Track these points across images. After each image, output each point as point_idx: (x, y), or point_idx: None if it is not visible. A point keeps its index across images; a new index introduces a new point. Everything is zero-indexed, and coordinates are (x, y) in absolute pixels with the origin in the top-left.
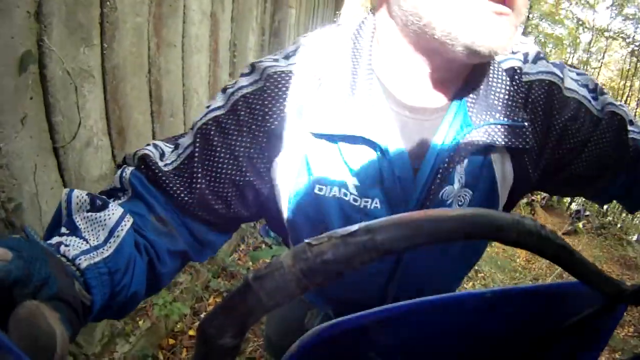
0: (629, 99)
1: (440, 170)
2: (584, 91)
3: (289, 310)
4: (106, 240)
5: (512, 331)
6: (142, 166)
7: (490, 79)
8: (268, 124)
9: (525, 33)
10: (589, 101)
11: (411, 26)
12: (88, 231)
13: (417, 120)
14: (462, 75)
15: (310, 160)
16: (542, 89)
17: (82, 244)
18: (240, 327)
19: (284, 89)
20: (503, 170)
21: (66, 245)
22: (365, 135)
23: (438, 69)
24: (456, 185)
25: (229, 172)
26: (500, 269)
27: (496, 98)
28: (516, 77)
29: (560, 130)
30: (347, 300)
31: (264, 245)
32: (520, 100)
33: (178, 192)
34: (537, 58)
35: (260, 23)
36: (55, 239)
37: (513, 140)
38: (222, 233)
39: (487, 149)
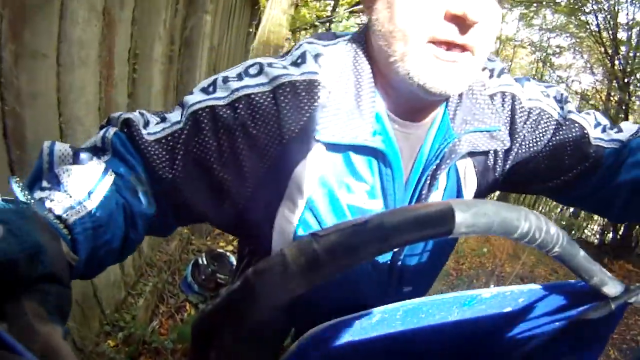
0: None
1: (428, 179)
2: (549, 100)
3: None
4: (89, 194)
5: (512, 331)
6: (125, 129)
7: (469, 91)
8: (277, 132)
9: None
10: (553, 109)
11: (383, 60)
12: (70, 184)
13: (404, 133)
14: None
15: (322, 168)
16: (502, 100)
17: (65, 198)
18: (238, 327)
19: (297, 100)
20: (466, 175)
21: (51, 201)
22: (371, 145)
23: (410, 96)
24: (440, 190)
25: (211, 164)
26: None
27: (474, 107)
28: (482, 88)
29: (522, 137)
30: (341, 308)
31: (187, 305)
32: (494, 108)
33: (156, 162)
34: (501, 73)
35: (170, 29)
36: (37, 194)
37: (491, 144)
38: (184, 220)
39: (452, 156)
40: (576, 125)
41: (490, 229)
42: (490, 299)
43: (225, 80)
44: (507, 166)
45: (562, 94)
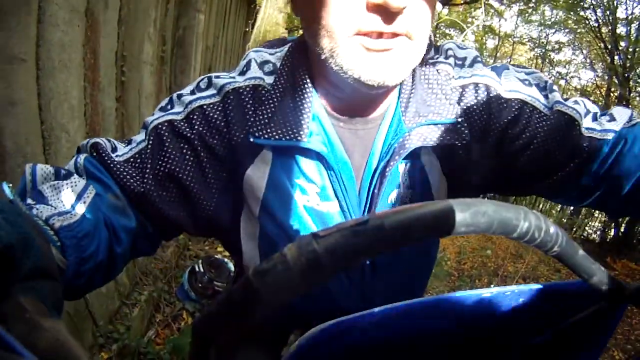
0: None
1: (379, 177)
2: (531, 90)
3: None
4: (73, 206)
5: (512, 331)
6: (94, 153)
7: (424, 81)
8: (227, 137)
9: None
10: (537, 100)
11: (316, 58)
12: (54, 199)
13: (352, 130)
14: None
15: (272, 170)
16: (475, 92)
17: (51, 209)
18: (239, 328)
19: (241, 105)
20: (433, 174)
21: (38, 210)
22: (307, 146)
23: (350, 92)
24: (402, 188)
25: (177, 173)
26: (435, 276)
27: (429, 98)
28: (448, 80)
29: (500, 131)
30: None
31: (184, 313)
32: (454, 100)
33: (127, 179)
34: (473, 62)
35: (161, 29)
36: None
37: (448, 138)
38: (164, 231)
39: (418, 151)
40: (565, 117)
41: (490, 229)
42: (491, 299)
43: (180, 96)
44: (486, 163)
45: (546, 82)
